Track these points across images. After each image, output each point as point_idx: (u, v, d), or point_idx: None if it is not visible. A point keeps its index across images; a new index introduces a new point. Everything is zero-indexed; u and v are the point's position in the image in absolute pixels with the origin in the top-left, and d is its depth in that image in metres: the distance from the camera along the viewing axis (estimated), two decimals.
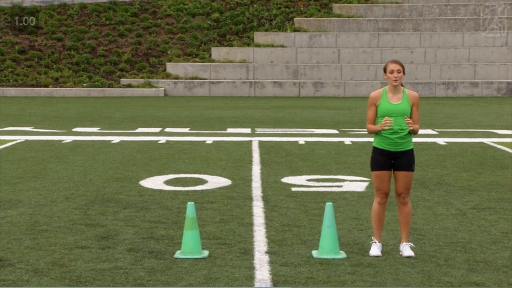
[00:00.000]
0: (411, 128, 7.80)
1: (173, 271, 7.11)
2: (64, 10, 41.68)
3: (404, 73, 7.92)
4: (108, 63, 38.27)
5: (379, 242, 7.83)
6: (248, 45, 38.99)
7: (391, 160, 7.87)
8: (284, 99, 34.11)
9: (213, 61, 38.16)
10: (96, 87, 36.22)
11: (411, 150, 7.90)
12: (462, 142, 17.55)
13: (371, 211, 9.81)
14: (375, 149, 7.91)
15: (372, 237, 7.96)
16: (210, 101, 32.17)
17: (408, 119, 7.81)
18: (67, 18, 41.15)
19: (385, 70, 7.92)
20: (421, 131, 19.91)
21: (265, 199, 10.60)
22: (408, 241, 7.94)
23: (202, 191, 11.23)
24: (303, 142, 17.39)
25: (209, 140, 17.66)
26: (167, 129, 20.21)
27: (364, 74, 37.43)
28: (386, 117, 7.81)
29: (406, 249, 7.75)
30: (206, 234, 8.45)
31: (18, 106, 28.73)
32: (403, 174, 7.87)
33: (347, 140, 17.75)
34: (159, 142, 17.39)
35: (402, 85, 7.93)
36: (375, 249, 7.75)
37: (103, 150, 15.96)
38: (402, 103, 7.88)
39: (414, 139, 17.84)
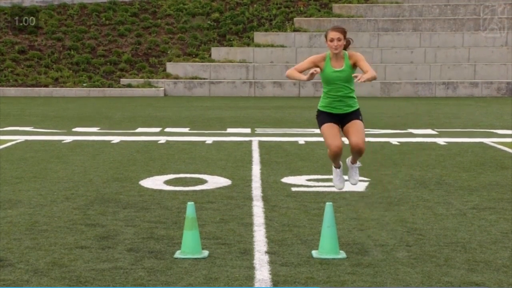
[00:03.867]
0: (362, 80, 7.70)
1: (173, 271, 7.10)
2: (64, 10, 41.69)
3: (345, 39, 7.84)
4: (108, 63, 38.27)
5: (337, 168, 7.87)
6: (248, 45, 39.00)
7: (338, 120, 7.84)
8: (284, 99, 34.11)
9: (213, 61, 38.17)
10: (96, 87, 36.22)
11: (357, 109, 7.89)
12: (462, 142, 17.55)
13: (371, 211, 9.81)
14: (321, 112, 7.86)
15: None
16: (210, 101, 32.16)
17: (356, 74, 7.74)
18: (67, 18, 41.15)
19: (326, 37, 7.86)
20: (421, 131, 19.90)
21: (265, 199, 10.60)
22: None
23: (202, 191, 11.23)
24: (303, 142, 17.38)
25: (209, 140, 17.65)
26: (167, 129, 20.21)
27: None
28: (317, 68, 7.70)
29: (353, 174, 7.75)
30: (206, 234, 8.45)
31: (18, 106, 28.72)
32: (354, 122, 7.80)
33: (347, 140, 17.73)
34: (159, 142, 17.39)
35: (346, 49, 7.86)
36: (337, 175, 7.77)
37: (103, 150, 15.96)
38: (344, 68, 7.84)
39: (414, 139, 17.93)
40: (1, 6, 41.02)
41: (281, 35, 39.32)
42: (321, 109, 7.82)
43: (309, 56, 8.33)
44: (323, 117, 7.81)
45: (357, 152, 7.86)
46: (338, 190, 7.67)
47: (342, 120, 7.78)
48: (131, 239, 8.29)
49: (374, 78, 7.84)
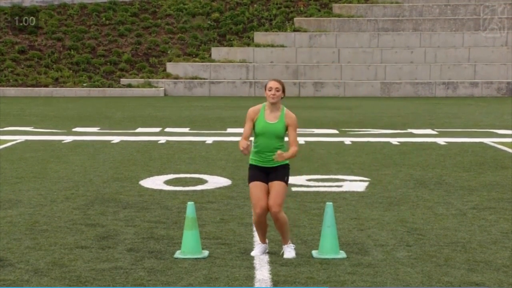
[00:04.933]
0: (279, 159, 7.68)
1: (173, 271, 7.10)
2: (64, 10, 41.68)
3: (284, 92, 7.90)
4: (108, 63, 38.27)
5: (263, 244, 7.79)
6: (248, 45, 38.99)
7: (266, 174, 7.81)
8: (284, 99, 34.10)
9: (213, 61, 38.17)
10: (96, 87, 36.22)
11: (286, 165, 7.84)
12: (462, 142, 17.55)
13: (371, 211, 9.82)
14: (251, 166, 7.89)
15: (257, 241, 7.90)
16: (210, 101, 32.17)
17: (278, 152, 7.67)
18: (67, 18, 41.15)
19: (265, 87, 7.94)
20: (421, 131, 19.90)
21: None
22: (292, 243, 7.85)
23: (202, 191, 11.23)
24: (303, 142, 17.38)
25: (209, 140, 17.65)
26: (167, 129, 20.21)
27: (364, 74, 37.42)
28: (248, 144, 7.70)
29: (288, 251, 7.68)
30: (206, 234, 8.45)
31: (18, 106, 28.73)
32: (275, 184, 7.77)
33: (347, 140, 17.74)
34: (159, 142, 17.39)
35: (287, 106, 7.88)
36: (258, 250, 7.72)
37: (103, 150, 15.96)
38: (277, 123, 7.84)
39: (414, 139, 17.91)
40: (1, 6, 41.02)
41: (281, 35, 39.32)
42: (251, 162, 7.84)
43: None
44: (252, 173, 7.79)
45: (274, 219, 7.72)
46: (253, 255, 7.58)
47: (269, 174, 7.73)
48: (131, 239, 8.29)
49: (293, 156, 7.82)
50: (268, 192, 7.74)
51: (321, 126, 21.21)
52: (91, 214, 9.56)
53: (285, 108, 7.97)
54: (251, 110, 7.97)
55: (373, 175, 12.72)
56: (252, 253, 7.72)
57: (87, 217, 9.39)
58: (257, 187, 7.74)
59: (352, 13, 40.94)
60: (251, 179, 7.81)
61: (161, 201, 10.41)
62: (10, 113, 25.55)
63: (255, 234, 8.53)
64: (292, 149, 7.80)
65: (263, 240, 7.82)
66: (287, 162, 7.85)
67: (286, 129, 7.88)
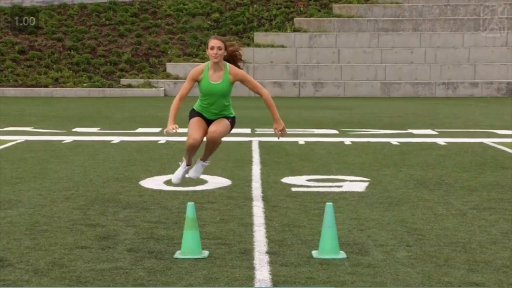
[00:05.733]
0: (283, 133, 7.66)
1: (173, 271, 7.10)
2: (64, 10, 41.69)
3: (226, 49, 7.71)
4: (108, 63, 38.27)
5: (187, 165, 7.73)
6: (248, 45, 38.99)
7: (207, 122, 7.75)
8: (284, 99, 34.10)
9: None
10: (96, 87, 36.22)
11: (233, 117, 7.78)
12: (462, 142, 17.55)
13: (371, 211, 9.81)
14: (194, 110, 7.78)
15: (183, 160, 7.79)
16: None
17: (277, 128, 7.61)
18: (67, 18, 41.15)
19: (207, 45, 7.75)
20: (421, 131, 19.90)
21: (265, 199, 10.60)
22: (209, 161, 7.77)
23: (202, 191, 11.23)
24: (303, 142, 17.38)
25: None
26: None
27: (364, 74, 37.42)
28: (175, 126, 7.65)
29: (195, 169, 7.59)
30: (206, 234, 8.45)
31: (18, 106, 28.72)
32: (218, 120, 7.68)
33: (347, 140, 17.74)
34: (159, 142, 17.39)
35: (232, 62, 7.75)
36: (180, 173, 7.63)
37: (103, 150, 15.96)
38: (221, 82, 7.72)
39: (414, 139, 17.91)
40: (1, 6, 41.02)
41: (281, 35, 39.32)
42: (196, 109, 7.77)
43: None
44: (194, 114, 7.72)
45: (210, 140, 7.60)
46: (175, 182, 7.51)
47: (212, 121, 7.67)
48: (131, 239, 8.29)
49: (275, 109, 7.84)
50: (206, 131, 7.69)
51: (321, 126, 21.21)
52: (91, 214, 9.56)
53: (228, 65, 7.80)
54: (195, 70, 7.85)
55: (373, 175, 12.72)
56: (173, 179, 7.61)
57: (87, 217, 9.39)
58: (197, 121, 7.69)
59: (352, 13, 40.94)
60: (194, 116, 7.73)
61: (161, 201, 10.41)
62: (10, 113, 25.54)
63: (255, 234, 8.53)
64: (269, 104, 7.71)
65: (189, 161, 7.72)
66: (233, 114, 7.77)
67: (232, 85, 7.75)
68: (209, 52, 7.57)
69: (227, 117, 7.63)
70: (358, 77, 37.33)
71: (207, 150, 7.59)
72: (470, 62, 38.01)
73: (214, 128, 7.53)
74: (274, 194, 11.00)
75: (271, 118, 7.80)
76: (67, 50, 38.95)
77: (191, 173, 7.41)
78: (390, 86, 36.76)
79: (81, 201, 10.45)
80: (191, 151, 7.62)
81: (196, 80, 7.69)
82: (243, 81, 7.65)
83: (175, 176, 7.47)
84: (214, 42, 7.59)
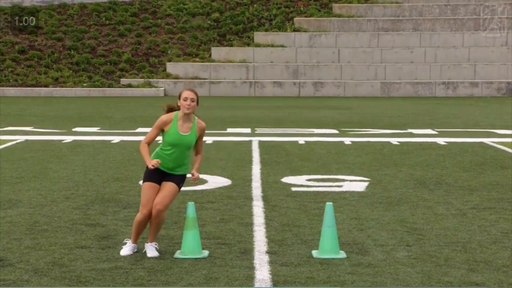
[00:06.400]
0: (197, 180, 7.92)
1: (173, 271, 7.11)
2: (64, 10, 41.69)
3: (198, 103, 7.86)
4: (108, 63, 38.28)
5: (134, 244, 7.77)
6: (248, 45, 39.00)
7: (162, 176, 7.84)
8: (284, 99, 34.11)
9: (213, 61, 38.17)
10: (96, 87, 36.23)
11: (184, 175, 7.89)
12: (462, 142, 17.55)
13: (371, 211, 9.82)
14: (147, 169, 7.93)
15: (128, 240, 7.87)
16: (210, 101, 32.16)
17: (194, 177, 7.83)
18: (67, 18, 41.16)
19: (179, 96, 7.86)
20: (421, 131, 19.90)
21: (265, 199, 10.60)
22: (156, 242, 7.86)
23: (202, 191, 11.23)
24: (303, 142, 17.39)
25: (209, 140, 17.65)
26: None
27: (364, 74, 37.43)
28: (157, 160, 7.79)
29: (150, 249, 7.67)
30: (206, 234, 8.45)
31: (18, 106, 28.73)
32: (168, 184, 7.80)
33: (347, 140, 17.75)
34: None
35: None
36: (128, 248, 7.70)
37: (103, 150, 15.96)
38: (190, 134, 7.83)
39: (414, 139, 17.91)
40: (1, 6, 41.02)
41: (281, 35, 39.32)
42: (152, 157, 7.87)
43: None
44: (149, 173, 7.83)
45: (155, 216, 7.69)
46: (122, 254, 7.57)
47: (165, 177, 7.75)
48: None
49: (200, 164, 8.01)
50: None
51: (321, 126, 21.21)
52: (91, 214, 9.57)
53: (196, 118, 7.91)
54: (164, 118, 7.90)
55: (373, 175, 12.72)
56: (121, 252, 7.66)
57: (87, 217, 9.39)
58: (150, 188, 7.78)
59: (352, 13, 40.94)
60: (147, 179, 7.84)
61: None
62: (10, 113, 25.54)
63: (255, 234, 8.53)
64: (199, 159, 7.95)
65: (135, 240, 7.79)
66: (185, 173, 7.88)
67: (196, 137, 7.87)
68: (182, 103, 7.68)
69: (178, 178, 7.72)
70: (358, 77, 37.34)
71: (152, 228, 7.63)
72: (470, 62, 38.02)
73: (159, 199, 7.62)
74: (274, 194, 11.00)
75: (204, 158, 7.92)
76: (67, 50, 38.95)
77: (149, 253, 7.50)
78: (390, 86, 36.76)
79: (81, 201, 10.45)
80: (140, 228, 7.70)
81: (163, 129, 7.80)
82: (200, 136, 7.83)
83: (123, 252, 7.56)
84: (187, 93, 7.74)
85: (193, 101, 7.78)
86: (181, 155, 7.86)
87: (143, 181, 7.93)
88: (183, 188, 11.45)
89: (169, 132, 7.86)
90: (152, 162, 7.83)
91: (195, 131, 7.87)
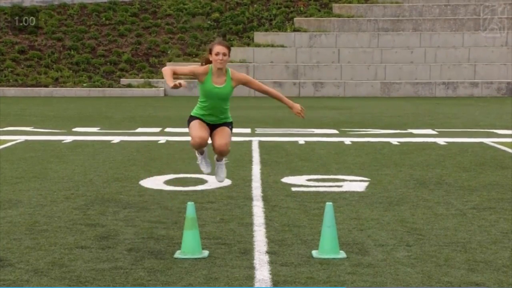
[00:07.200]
0: (302, 112, 7.90)
1: (173, 271, 7.10)
2: (64, 10, 41.69)
3: (229, 56, 7.80)
4: (108, 63, 38.28)
5: (201, 155, 7.82)
6: (248, 45, 39.00)
7: (208, 126, 7.87)
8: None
9: None
10: (96, 87, 36.23)
11: (230, 122, 7.89)
12: (462, 142, 17.55)
13: (371, 211, 9.81)
14: (192, 116, 7.87)
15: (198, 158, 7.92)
16: None
17: (295, 109, 7.82)
18: (67, 18, 41.16)
19: (210, 51, 7.75)
20: (421, 131, 19.90)
21: (265, 199, 10.60)
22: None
23: (202, 191, 11.23)
24: (303, 142, 17.38)
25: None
26: (167, 129, 20.21)
27: (364, 74, 37.43)
28: (179, 81, 7.70)
29: (221, 166, 7.73)
30: (206, 234, 8.45)
31: (18, 106, 28.72)
32: (221, 128, 7.79)
33: (347, 140, 17.74)
34: (159, 142, 17.39)
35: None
36: (204, 165, 7.76)
37: (103, 150, 15.96)
38: (224, 86, 7.81)
39: (414, 139, 17.91)
40: (1, 6, 41.02)
41: (281, 35, 39.32)
42: (193, 115, 7.87)
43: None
44: (194, 118, 7.84)
45: (220, 154, 7.80)
46: (206, 174, 7.73)
47: (212, 127, 7.77)
48: (131, 239, 8.29)
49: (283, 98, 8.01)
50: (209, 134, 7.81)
51: (321, 126, 21.21)
52: (91, 214, 9.56)
53: (229, 70, 7.89)
54: (201, 69, 7.89)
55: (373, 175, 12.72)
56: (204, 170, 7.75)
57: (87, 217, 9.39)
58: (199, 123, 7.81)
59: (352, 13, 40.95)
60: (193, 120, 7.83)
61: (161, 201, 10.40)
62: (10, 113, 25.54)
63: (255, 234, 8.53)
64: (278, 96, 7.83)
65: (200, 151, 7.84)
66: (230, 120, 7.89)
67: (233, 88, 7.85)
68: (214, 57, 7.59)
69: (226, 124, 7.76)
70: (358, 77, 37.34)
71: (219, 156, 7.80)
72: (470, 62, 38.02)
73: (220, 140, 7.67)
74: (274, 194, 11.00)
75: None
76: (67, 50, 38.96)
77: (217, 178, 7.65)
78: (390, 86, 36.76)
79: (81, 201, 10.45)
80: (198, 148, 7.82)
81: (198, 79, 7.76)
82: (246, 84, 7.74)
83: (203, 169, 7.66)
84: (220, 48, 7.62)
85: (225, 55, 7.72)
86: (218, 106, 7.84)
87: (189, 123, 7.88)
88: (183, 188, 11.49)
89: (204, 85, 7.86)
90: (173, 83, 7.71)
91: (230, 83, 7.83)
